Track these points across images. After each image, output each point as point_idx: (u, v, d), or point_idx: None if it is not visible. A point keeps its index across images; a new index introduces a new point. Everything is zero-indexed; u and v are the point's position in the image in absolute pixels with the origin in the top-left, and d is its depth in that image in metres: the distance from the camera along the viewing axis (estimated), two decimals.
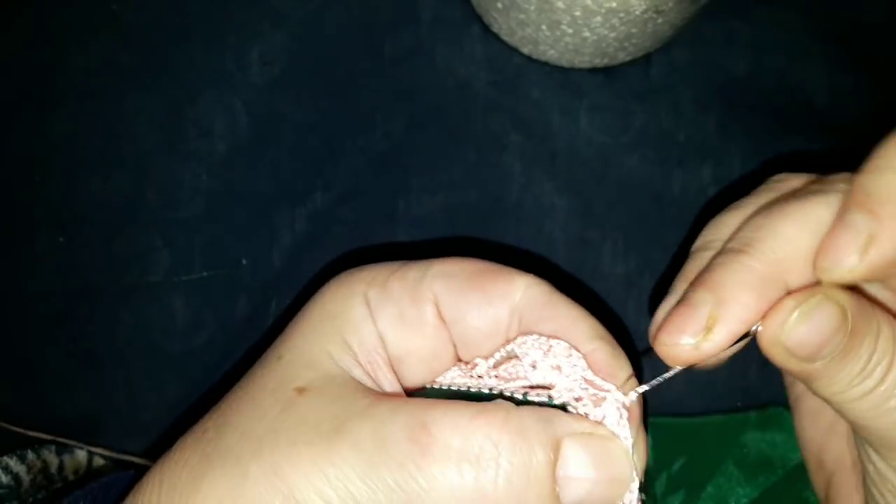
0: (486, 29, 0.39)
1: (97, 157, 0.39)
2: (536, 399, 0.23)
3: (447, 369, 0.25)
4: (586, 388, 0.23)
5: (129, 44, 0.39)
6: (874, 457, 0.23)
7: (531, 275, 0.25)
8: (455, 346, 0.25)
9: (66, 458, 0.35)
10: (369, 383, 0.24)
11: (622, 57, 0.38)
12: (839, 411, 0.23)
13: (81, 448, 0.36)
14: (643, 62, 0.39)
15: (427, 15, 0.39)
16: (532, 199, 0.38)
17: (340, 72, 0.39)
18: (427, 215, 0.38)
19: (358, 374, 0.23)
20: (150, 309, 0.38)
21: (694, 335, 0.22)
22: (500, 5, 0.35)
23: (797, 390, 0.29)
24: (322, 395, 0.22)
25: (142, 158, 0.39)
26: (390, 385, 0.24)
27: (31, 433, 0.36)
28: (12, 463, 0.33)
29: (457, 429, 0.20)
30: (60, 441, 0.35)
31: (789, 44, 0.40)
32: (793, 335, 0.21)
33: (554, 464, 0.20)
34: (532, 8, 0.34)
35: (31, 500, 0.32)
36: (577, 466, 0.21)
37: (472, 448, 0.20)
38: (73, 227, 0.39)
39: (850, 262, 0.21)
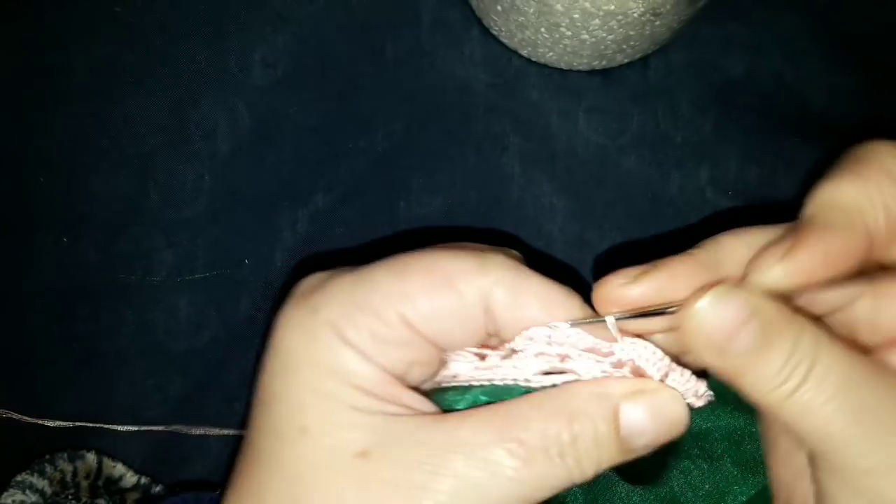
0: (485, 31, 0.39)
1: (100, 158, 0.39)
2: (568, 379, 0.24)
3: (440, 366, 0.25)
4: (601, 361, 0.24)
5: (132, 45, 0.40)
6: (828, 484, 0.23)
7: (492, 266, 0.24)
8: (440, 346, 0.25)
9: (79, 463, 0.35)
10: (403, 411, 0.24)
11: (620, 59, 0.38)
12: (777, 418, 0.23)
13: (125, 427, 0.36)
14: (641, 64, 0.39)
15: (427, 17, 0.39)
16: (531, 199, 0.39)
17: (342, 73, 0.39)
18: (427, 216, 0.38)
19: (391, 410, 0.23)
20: (153, 308, 0.38)
21: (626, 277, 0.24)
22: (499, 8, 0.36)
23: (773, 434, 0.29)
24: (387, 448, 0.22)
25: (145, 159, 0.39)
26: (413, 400, 0.24)
27: (56, 424, 0.36)
28: (34, 480, 0.33)
29: (537, 430, 0.22)
30: (98, 426, 0.36)
31: (786, 46, 0.40)
32: (706, 318, 0.22)
33: (617, 428, 0.23)
34: (531, 11, 0.34)
35: None
36: (638, 423, 0.23)
37: (553, 442, 0.22)
38: (76, 227, 0.39)
39: (770, 267, 0.22)
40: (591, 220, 0.38)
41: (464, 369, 0.25)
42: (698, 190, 0.39)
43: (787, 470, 0.28)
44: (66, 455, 0.35)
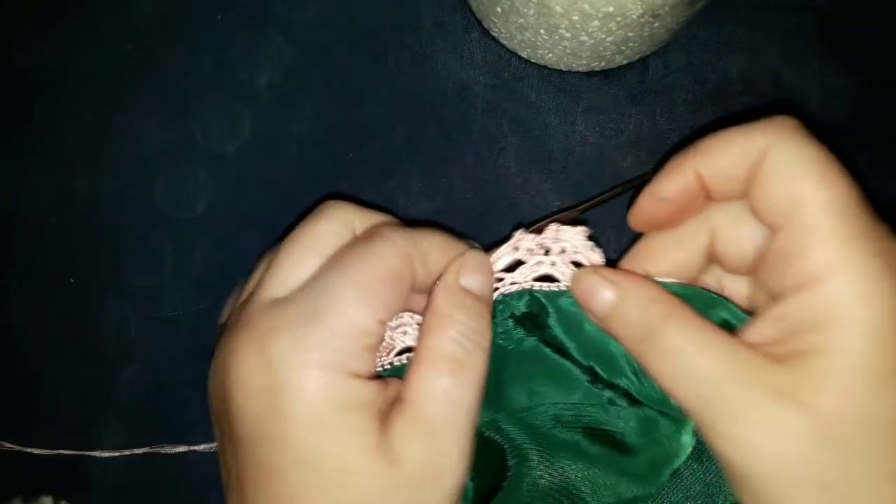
0: (485, 33, 0.39)
1: (103, 162, 0.39)
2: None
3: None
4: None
5: (134, 53, 0.40)
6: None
7: (418, 237, 0.29)
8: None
9: None
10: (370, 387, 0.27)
11: (619, 60, 0.38)
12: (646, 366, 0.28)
13: (106, 453, 0.36)
14: (639, 65, 0.39)
15: (428, 22, 0.39)
16: (528, 199, 0.39)
17: (343, 78, 0.39)
18: (426, 217, 0.38)
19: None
20: (154, 311, 0.38)
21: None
22: (499, 10, 0.36)
23: None
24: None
25: (148, 163, 0.39)
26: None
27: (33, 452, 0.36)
28: None
29: (446, 340, 0.28)
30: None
31: (784, 47, 0.40)
32: (575, 288, 0.30)
33: (470, 294, 0.29)
34: (531, 13, 0.34)
35: None
36: (470, 280, 0.30)
37: (464, 338, 0.28)
38: (78, 228, 0.39)
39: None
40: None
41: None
42: None
43: None
44: (21, 497, 0.35)
